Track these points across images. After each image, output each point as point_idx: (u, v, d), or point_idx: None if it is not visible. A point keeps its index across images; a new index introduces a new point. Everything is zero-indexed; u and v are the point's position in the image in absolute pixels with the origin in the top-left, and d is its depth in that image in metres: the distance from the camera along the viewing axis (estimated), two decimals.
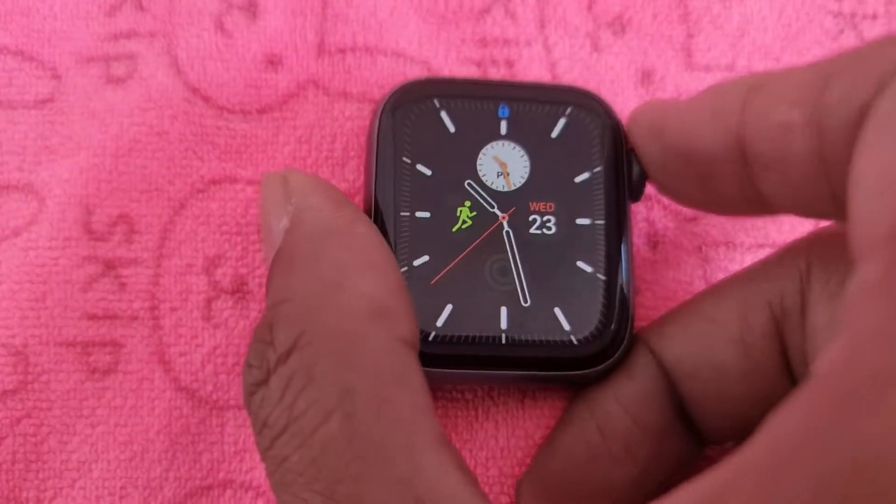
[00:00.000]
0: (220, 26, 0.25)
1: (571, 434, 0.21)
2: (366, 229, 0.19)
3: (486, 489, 0.22)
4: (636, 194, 0.22)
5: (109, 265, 0.23)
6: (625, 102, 0.25)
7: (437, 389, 0.23)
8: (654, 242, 0.24)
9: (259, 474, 0.22)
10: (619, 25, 0.26)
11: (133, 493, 0.22)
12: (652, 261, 0.24)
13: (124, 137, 0.24)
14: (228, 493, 0.22)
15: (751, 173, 0.19)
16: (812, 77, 0.17)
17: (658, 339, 0.21)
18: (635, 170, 0.22)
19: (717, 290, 0.21)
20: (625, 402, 0.21)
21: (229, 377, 0.23)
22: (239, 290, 0.23)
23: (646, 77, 0.25)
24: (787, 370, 0.20)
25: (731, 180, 0.19)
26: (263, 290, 0.23)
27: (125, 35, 0.25)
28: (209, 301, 0.23)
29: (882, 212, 0.14)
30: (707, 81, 0.25)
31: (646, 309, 0.24)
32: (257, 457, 0.22)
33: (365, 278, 0.18)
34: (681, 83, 0.25)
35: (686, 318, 0.21)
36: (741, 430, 0.20)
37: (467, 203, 0.21)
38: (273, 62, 0.25)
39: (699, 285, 0.24)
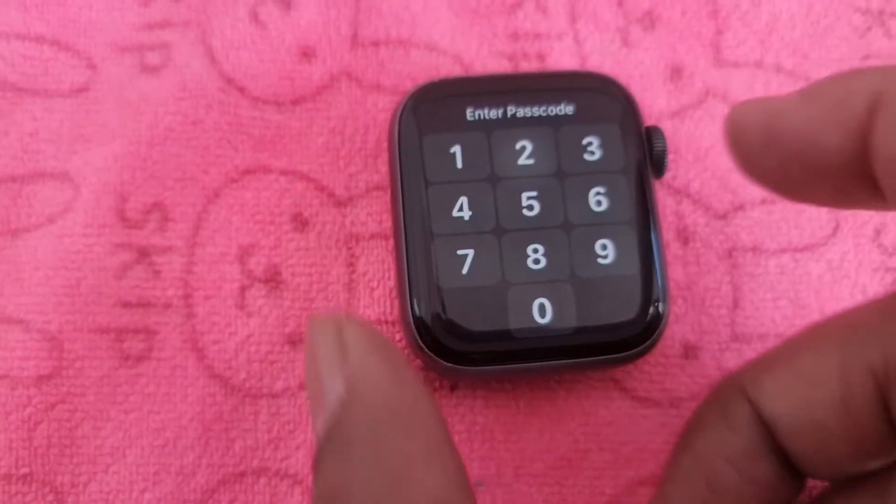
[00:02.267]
0: (254, 17, 0.25)
1: (682, 491, 0.21)
2: (427, 410, 0.18)
3: (531, 479, 0.23)
4: (659, 171, 0.22)
5: (143, 253, 0.23)
6: (654, 97, 0.25)
7: (478, 380, 0.23)
8: (684, 238, 0.24)
9: (296, 462, 0.22)
10: (649, 21, 0.26)
11: (166, 478, 0.22)
12: (683, 260, 0.24)
13: (159, 126, 0.24)
14: (263, 480, 0.22)
15: (876, 173, 0.17)
16: None
17: (756, 391, 0.20)
18: (656, 146, 0.22)
19: (815, 344, 0.20)
20: (731, 456, 0.20)
21: (262, 365, 0.23)
22: (272, 278, 0.23)
23: (675, 73, 0.26)
24: (891, 431, 0.19)
25: (857, 176, 0.18)
26: (296, 279, 0.23)
27: (159, 25, 0.25)
28: (242, 289, 0.23)
29: None
30: (736, 77, 0.26)
31: (676, 316, 0.24)
32: (293, 444, 0.23)
33: (430, 471, 0.17)
34: (709, 79, 0.26)
35: (784, 372, 0.20)
36: (845, 473, 0.20)
37: (497, 194, 0.22)
38: (307, 53, 0.25)
39: (727, 291, 0.24)
